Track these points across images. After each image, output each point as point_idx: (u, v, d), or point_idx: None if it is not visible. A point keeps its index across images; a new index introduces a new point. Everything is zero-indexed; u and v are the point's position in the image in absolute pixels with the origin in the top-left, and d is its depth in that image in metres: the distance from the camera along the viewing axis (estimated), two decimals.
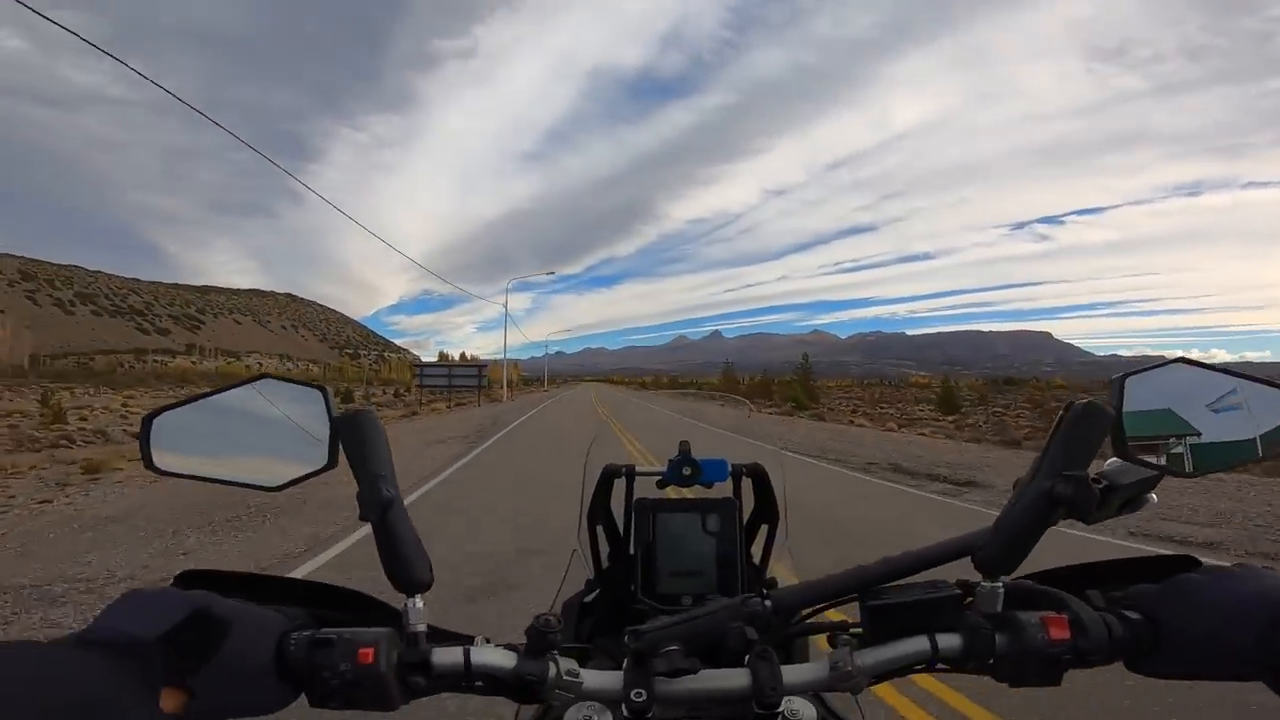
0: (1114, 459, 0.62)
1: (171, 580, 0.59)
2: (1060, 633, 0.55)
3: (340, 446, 0.62)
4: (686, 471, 1.07)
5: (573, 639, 1.01)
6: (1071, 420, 0.58)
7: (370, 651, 0.53)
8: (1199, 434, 0.62)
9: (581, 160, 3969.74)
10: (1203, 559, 0.62)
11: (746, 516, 1.17)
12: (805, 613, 0.70)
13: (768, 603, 0.61)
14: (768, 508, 1.18)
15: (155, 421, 0.66)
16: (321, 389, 0.65)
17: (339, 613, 0.65)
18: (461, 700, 2.75)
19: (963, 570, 0.62)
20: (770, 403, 47.00)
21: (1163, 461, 0.60)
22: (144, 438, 0.65)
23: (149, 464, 0.65)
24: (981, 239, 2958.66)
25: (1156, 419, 0.61)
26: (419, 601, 0.58)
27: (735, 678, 0.59)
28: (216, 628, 0.49)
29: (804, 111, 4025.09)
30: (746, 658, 0.59)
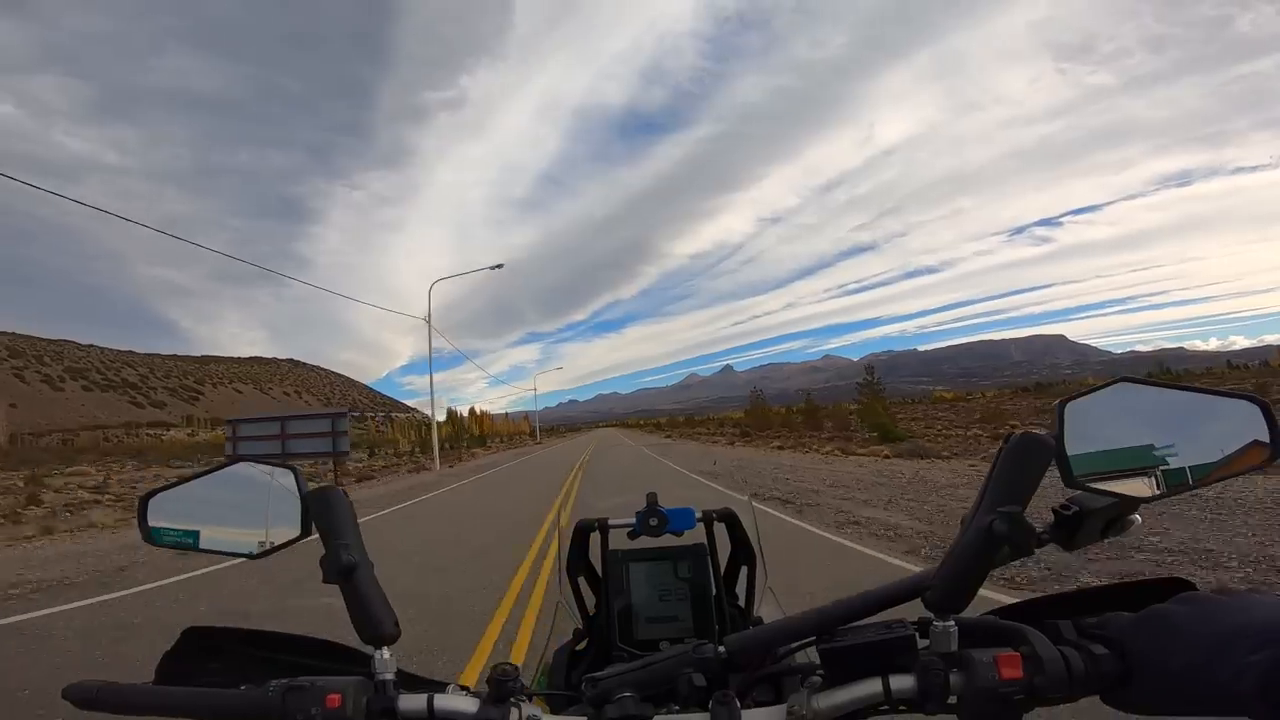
0: None
1: (179, 636, 0.70)
2: (1012, 671, 0.53)
3: (311, 518, 0.70)
4: (654, 522, 1.09)
5: (563, 686, 1.05)
6: (1009, 453, 0.57)
7: (338, 698, 0.58)
8: (1153, 456, 0.58)
9: (578, 205, 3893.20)
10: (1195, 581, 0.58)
11: (725, 561, 1.21)
12: (786, 650, 0.70)
13: (721, 648, 0.61)
14: (744, 550, 1.22)
15: (150, 501, 0.76)
16: (292, 469, 0.73)
17: (320, 662, 0.71)
18: None
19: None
20: (829, 435, 37.75)
21: (1119, 488, 0.58)
22: (141, 515, 0.75)
23: (146, 537, 0.75)
24: (982, 247, 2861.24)
25: (1105, 443, 0.59)
26: (386, 652, 0.63)
27: None
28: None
29: (792, 135, 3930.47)
30: (710, 703, 0.59)
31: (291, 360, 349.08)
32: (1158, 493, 0.58)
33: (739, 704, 0.59)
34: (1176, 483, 0.57)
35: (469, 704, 0.61)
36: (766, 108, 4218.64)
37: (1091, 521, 0.61)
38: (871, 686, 0.57)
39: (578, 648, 1.15)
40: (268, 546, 0.72)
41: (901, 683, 0.56)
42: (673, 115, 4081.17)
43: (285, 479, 0.73)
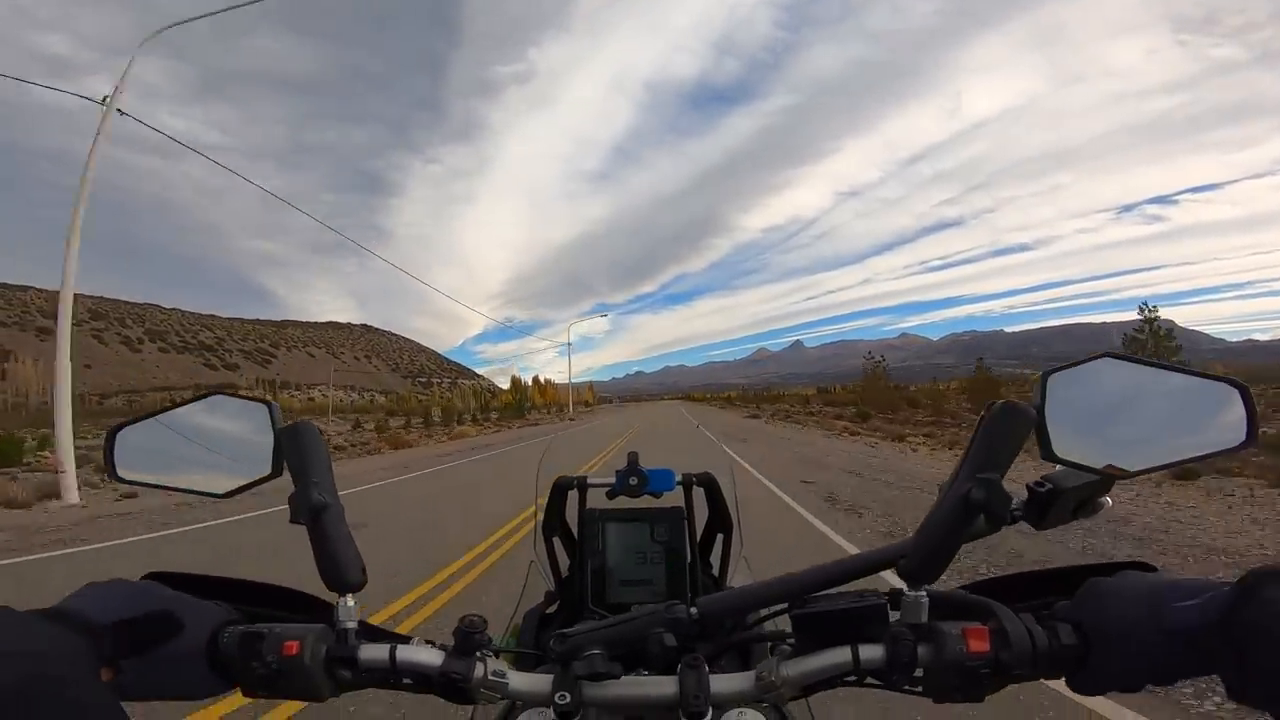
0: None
1: (140, 579, 0.63)
2: (980, 644, 0.52)
3: (283, 456, 0.65)
4: (634, 482, 1.07)
5: (533, 647, 1.02)
6: (991, 421, 0.56)
7: (295, 645, 0.56)
8: (1127, 432, 0.58)
9: (648, 177, 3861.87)
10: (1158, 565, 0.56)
11: (702, 526, 1.20)
12: (762, 615, 0.68)
13: (693, 610, 0.60)
14: (721, 517, 1.20)
15: (118, 435, 0.71)
16: (267, 403, 0.69)
17: (281, 610, 0.67)
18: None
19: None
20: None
21: (1096, 464, 0.57)
22: (108, 449, 0.70)
23: (112, 474, 0.71)
24: (1085, 225, 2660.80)
25: (1084, 418, 0.58)
26: (350, 600, 0.61)
27: (663, 685, 0.59)
28: (157, 617, 0.55)
29: (871, 107, 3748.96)
30: (679, 666, 0.59)
31: (365, 325, 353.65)
32: (1134, 470, 0.57)
33: (707, 668, 0.59)
34: (1154, 462, 0.57)
35: (434, 656, 0.60)
36: (844, 78, 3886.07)
37: (1064, 500, 0.60)
38: (840, 655, 0.56)
39: (548, 610, 1.12)
40: (235, 485, 0.69)
41: (870, 653, 0.56)
42: (745, 87, 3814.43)
43: (259, 414, 0.69)
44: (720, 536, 1.21)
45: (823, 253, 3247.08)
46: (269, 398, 0.69)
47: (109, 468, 0.71)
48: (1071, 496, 0.60)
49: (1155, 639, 0.48)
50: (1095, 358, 0.59)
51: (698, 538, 1.16)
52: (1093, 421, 0.58)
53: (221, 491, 0.69)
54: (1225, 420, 0.57)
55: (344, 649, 0.59)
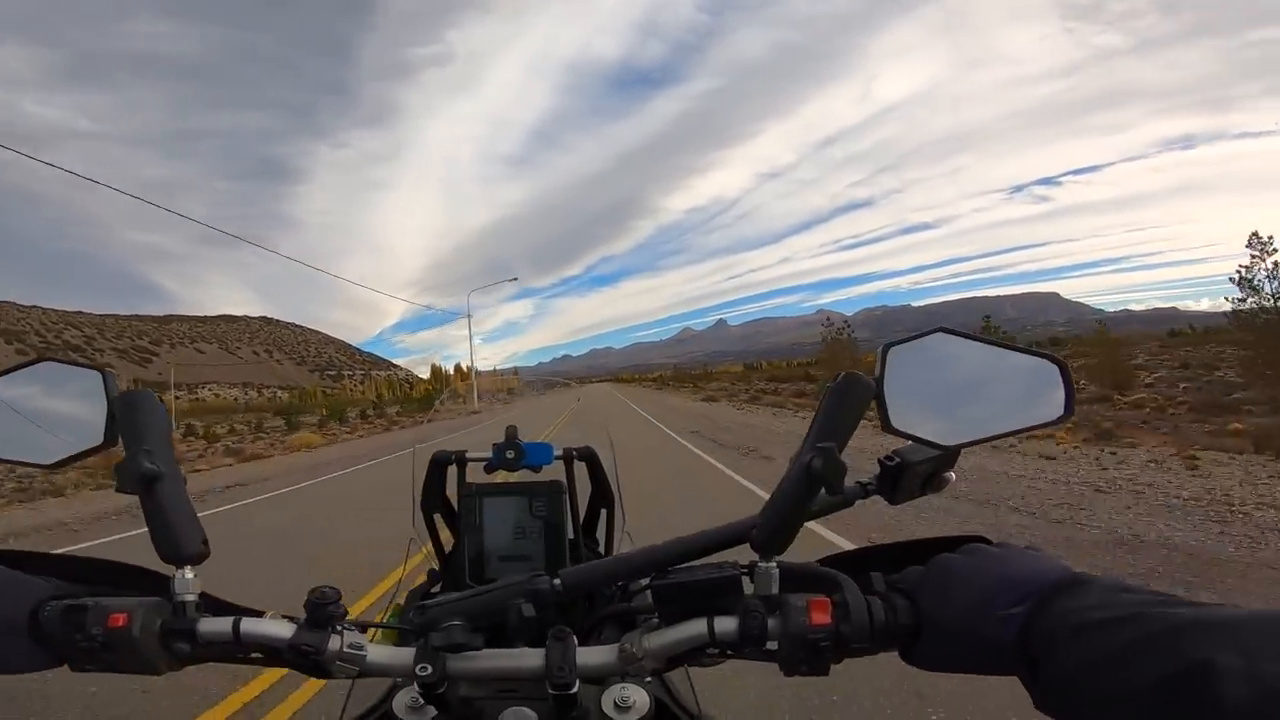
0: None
1: None
2: (822, 617, 0.52)
3: (117, 426, 0.63)
4: (510, 455, 1.04)
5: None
6: (833, 392, 0.57)
7: (122, 617, 0.53)
8: (958, 405, 0.60)
9: (571, 160, 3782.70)
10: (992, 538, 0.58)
11: (586, 501, 1.18)
12: (634, 590, 0.68)
13: (556, 581, 0.60)
14: (602, 491, 1.18)
15: None
16: (101, 371, 0.65)
17: (115, 586, 0.64)
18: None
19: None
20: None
21: (932, 436, 0.58)
22: None
23: None
24: (980, 205, 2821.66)
25: (921, 391, 0.59)
26: (189, 572, 0.59)
27: (529, 657, 0.59)
28: None
29: (790, 91, 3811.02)
30: (547, 638, 0.59)
31: (264, 318, 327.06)
32: (961, 443, 0.59)
33: (575, 641, 0.59)
34: (983, 434, 0.59)
35: (283, 628, 0.57)
36: (765, 62, 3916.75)
37: (912, 474, 0.62)
38: (697, 627, 0.56)
39: (432, 590, 1.09)
40: (63, 454, 0.65)
41: (725, 625, 0.55)
42: (668, 69, 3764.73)
43: (92, 381, 0.65)
44: (604, 512, 1.19)
45: (744, 233, 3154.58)
46: (103, 365, 0.65)
47: None
48: (919, 471, 0.62)
49: (975, 636, 0.48)
50: (931, 332, 0.60)
51: (580, 513, 1.15)
52: (928, 394, 0.59)
53: (48, 462, 0.65)
54: (1047, 394, 0.60)
55: (181, 621, 0.56)
